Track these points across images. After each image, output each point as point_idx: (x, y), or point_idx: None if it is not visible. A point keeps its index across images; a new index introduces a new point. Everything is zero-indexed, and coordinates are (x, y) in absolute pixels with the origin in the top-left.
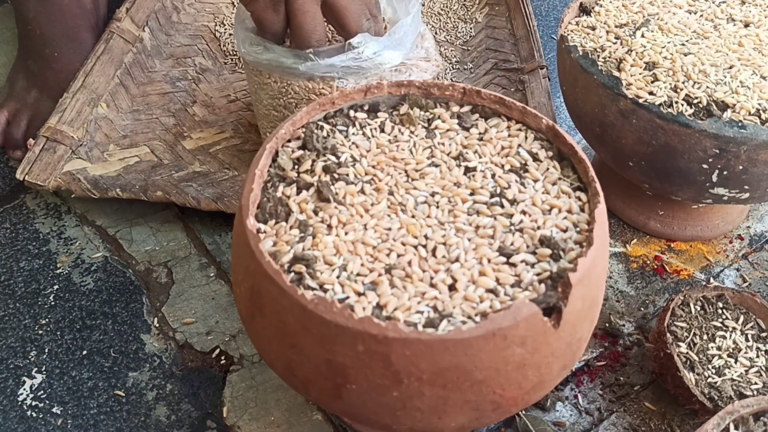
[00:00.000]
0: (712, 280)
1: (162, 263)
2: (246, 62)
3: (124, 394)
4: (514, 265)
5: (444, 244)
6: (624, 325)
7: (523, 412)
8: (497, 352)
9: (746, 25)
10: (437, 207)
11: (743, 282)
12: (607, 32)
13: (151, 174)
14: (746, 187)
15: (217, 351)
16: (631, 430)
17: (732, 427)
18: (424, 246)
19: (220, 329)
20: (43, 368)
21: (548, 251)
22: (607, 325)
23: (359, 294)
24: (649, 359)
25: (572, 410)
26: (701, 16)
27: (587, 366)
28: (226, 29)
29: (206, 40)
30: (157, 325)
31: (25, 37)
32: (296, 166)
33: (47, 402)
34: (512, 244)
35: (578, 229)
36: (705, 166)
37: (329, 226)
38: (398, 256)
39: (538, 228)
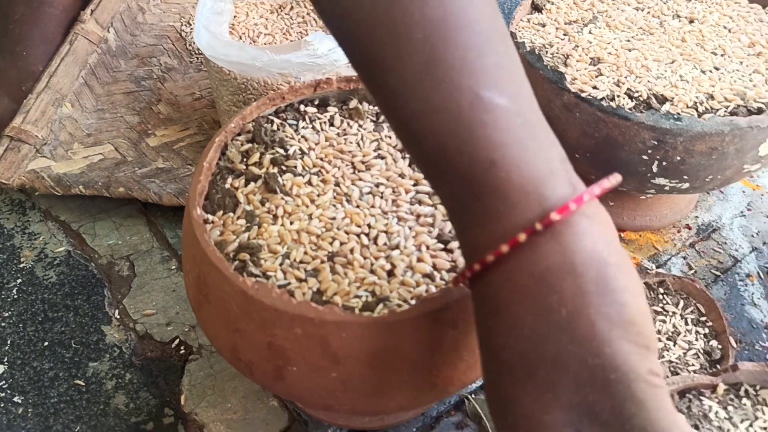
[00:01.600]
0: (659, 268)
1: (124, 257)
2: (207, 58)
3: (84, 384)
4: (451, 251)
5: (386, 232)
6: None
7: (473, 396)
8: (431, 333)
9: (691, 21)
10: (381, 197)
11: (689, 269)
12: (557, 29)
13: (114, 171)
14: (685, 177)
15: (177, 341)
16: None
17: None
18: (367, 234)
19: (180, 320)
20: (5, 359)
21: None
22: None
23: (300, 280)
24: None
25: None
26: (648, 12)
27: None
28: (192, 29)
29: (172, 40)
30: (118, 316)
31: (1, 35)
32: (245, 159)
33: (8, 392)
34: (450, 231)
35: None
36: (645, 157)
37: (275, 216)
38: (341, 244)
39: None
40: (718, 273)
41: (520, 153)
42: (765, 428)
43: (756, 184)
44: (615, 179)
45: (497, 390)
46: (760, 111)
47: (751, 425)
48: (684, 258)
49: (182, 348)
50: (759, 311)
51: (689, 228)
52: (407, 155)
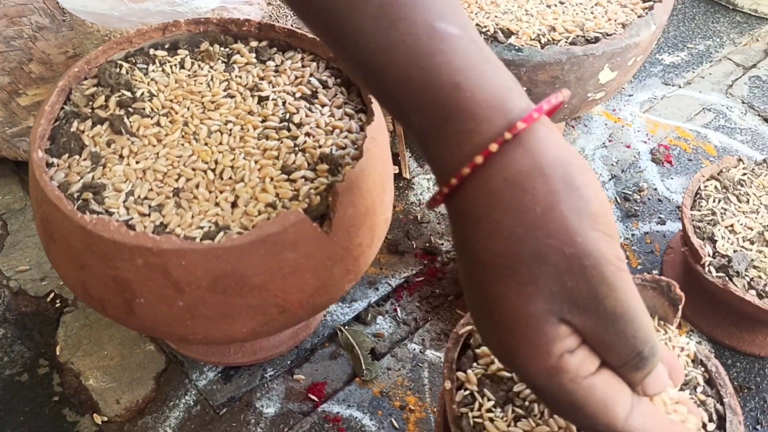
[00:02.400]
0: None
1: None
2: (68, 11)
3: None
4: (294, 181)
5: (232, 167)
6: (443, 244)
7: (345, 327)
8: (270, 257)
9: None
10: (229, 134)
11: None
12: None
13: None
14: None
15: (52, 295)
16: (443, 334)
17: None
18: (213, 170)
19: (55, 274)
20: None
21: (326, 167)
22: (427, 244)
23: (143, 215)
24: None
25: (391, 322)
26: None
27: (407, 282)
28: None
29: None
30: None
31: None
32: (91, 103)
33: None
34: (294, 162)
35: (356, 146)
36: None
37: (121, 156)
38: (187, 180)
39: (320, 147)
40: None
41: (480, 74)
42: None
43: (617, 117)
44: (565, 93)
45: (480, 293)
46: (596, 40)
47: None
48: None
49: (57, 301)
50: None
51: None
52: (257, 93)
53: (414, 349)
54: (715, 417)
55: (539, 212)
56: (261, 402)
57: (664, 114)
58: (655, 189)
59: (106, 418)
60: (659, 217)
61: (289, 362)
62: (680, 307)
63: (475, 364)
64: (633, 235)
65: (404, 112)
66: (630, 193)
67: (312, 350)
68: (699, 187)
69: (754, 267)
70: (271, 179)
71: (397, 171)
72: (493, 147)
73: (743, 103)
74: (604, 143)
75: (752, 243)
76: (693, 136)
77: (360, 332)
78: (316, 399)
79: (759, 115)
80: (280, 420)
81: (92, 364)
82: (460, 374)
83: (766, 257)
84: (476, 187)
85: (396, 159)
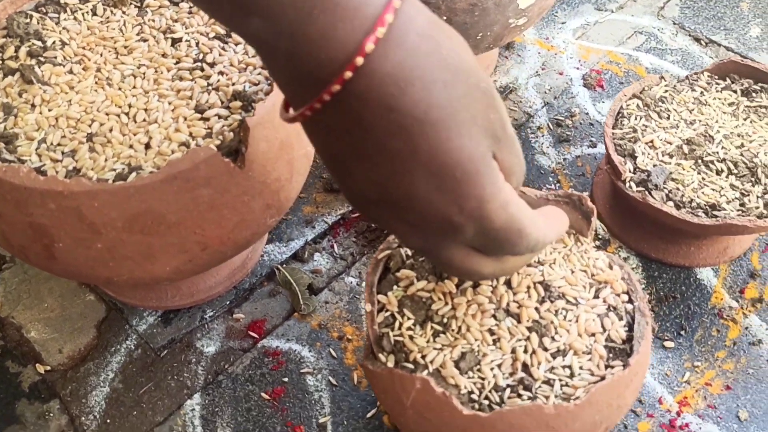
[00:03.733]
0: None
1: None
2: None
3: None
4: (207, 119)
5: (146, 109)
6: None
7: (284, 265)
8: (183, 194)
9: None
10: (143, 78)
11: None
12: None
13: None
14: None
15: None
16: None
17: None
18: (127, 113)
19: None
20: None
21: (240, 104)
22: None
23: (56, 161)
24: None
25: (329, 258)
26: None
27: (343, 219)
28: None
29: None
30: None
31: None
32: (0, 54)
33: None
34: (207, 101)
35: (269, 81)
36: None
37: (33, 105)
38: (101, 125)
39: (233, 85)
40: None
41: None
42: None
43: (550, 45)
44: None
45: (434, 162)
46: None
47: None
48: None
49: None
50: (547, 158)
51: None
52: (170, 35)
53: (351, 282)
54: (626, 319)
55: (455, 57)
56: (201, 342)
57: (597, 39)
58: (587, 113)
59: (49, 368)
60: (590, 141)
61: (228, 302)
62: (593, 219)
63: (395, 287)
64: (565, 159)
65: (263, 9)
66: (562, 119)
67: (251, 290)
68: (621, 107)
69: (672, 179)
70: (185, 119)
71: None
72: (397, 3)
73: (674, 24)
74: (537, 72)
75: (671, 157)
76: (624, 59)
77: (297, 270)
78: (256, 336)
79: (690, 35)
80: (220, 357)
81: (33, 317)
82: (380, 297)
83: (684, 170)
84: (395, 46)
85: None
